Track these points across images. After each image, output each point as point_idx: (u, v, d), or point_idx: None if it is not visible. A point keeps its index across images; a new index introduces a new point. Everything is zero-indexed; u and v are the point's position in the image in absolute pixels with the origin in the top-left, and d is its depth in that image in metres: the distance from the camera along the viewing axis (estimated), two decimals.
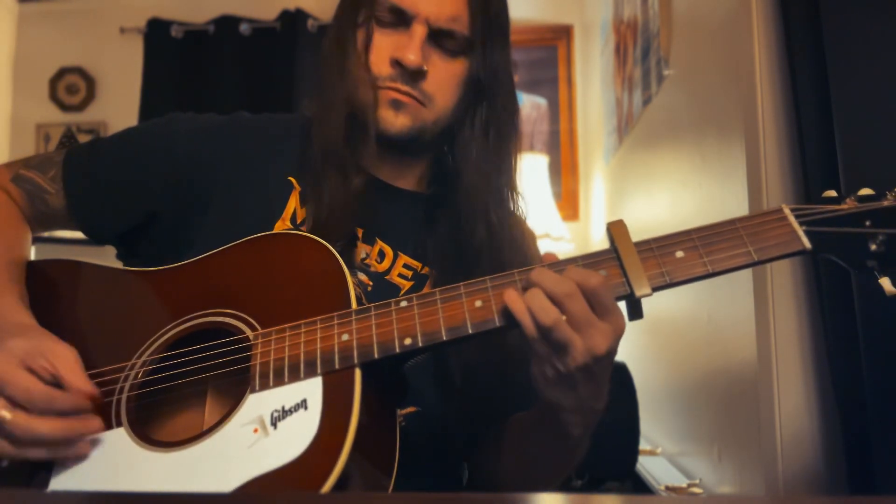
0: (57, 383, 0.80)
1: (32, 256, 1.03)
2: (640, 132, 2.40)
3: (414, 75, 0.99)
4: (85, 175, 1.06)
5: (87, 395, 0.81)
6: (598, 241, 3.30)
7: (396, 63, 0.99)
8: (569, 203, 3.57)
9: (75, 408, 0.80)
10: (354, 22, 1.03)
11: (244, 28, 3.76)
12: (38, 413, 0.78)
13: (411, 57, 0.97)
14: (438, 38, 1.00)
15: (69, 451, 0.80)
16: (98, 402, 0.82)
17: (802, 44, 1.22)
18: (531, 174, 3.14)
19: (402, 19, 1.00)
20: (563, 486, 0.99)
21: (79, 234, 1.10)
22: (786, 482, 1.24)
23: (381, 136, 1.00)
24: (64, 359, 0.81)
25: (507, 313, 0.78)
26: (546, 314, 0.75)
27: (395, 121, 1.00)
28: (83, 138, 3.76)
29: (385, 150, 1.03)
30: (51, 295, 0.97)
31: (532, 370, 0.81)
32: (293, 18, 3.71)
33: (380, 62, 1.00)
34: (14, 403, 0.78)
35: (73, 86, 3.86)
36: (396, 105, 1.00)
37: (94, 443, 0.82)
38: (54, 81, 3.87)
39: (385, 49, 1.00)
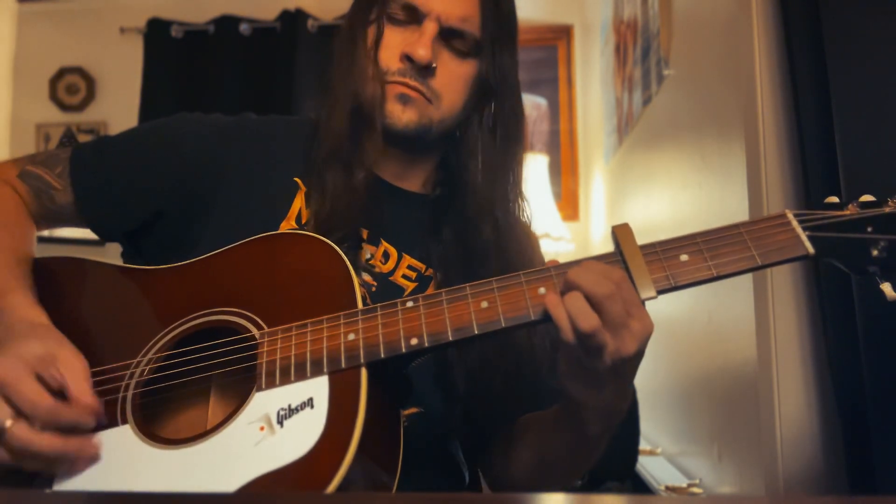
0: (62, 394, 0.80)
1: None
2: (640, 132, 2.40)
3: (423, 70, 1.00)
4: (93, 172, 1.06)
5: (90, 411, 0.80)
6: (599, 241, 3.30)
7: (406, 58, 1.00)
8: (569, 203, 3.57)
9: (77, 423, 0.80)
10: (366, 19, 1.04)
11: (244, 28, 3.76)
12: (41, 425, 0.78)
13: (421, 52, 0.98)
14: (449, 37, 1.01)
15: (65, 468, 0.80)
16: (100, 418, 0.82)
17: (802, 44, 1.22)
18: (531, 174, 3.15)
19: (414, 16, 1.01)
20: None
21: (79, 234, 1.11)
22: (786, 482, 1.24)
23: (386, 131, 1.01)
24: (74, 371, 0.81)
25: (543, 314, 0.78)
26: (587, 320, 0.74)
27: (401, 115, 1.01)
28: (83, 138, 3.75)
29: (390, 146, 1.03)
30: (56, 292, 0.97)
31: (560, 369, 0.82)
32: (293, 18, 3.71)
33: (389, 57, 1.01)
34: (18, 413, 0.78)
35: (73, 86, 3.87)
36: (404, 99, 1.01)
37: (101, 440, 0.82)
38: (54, 81, 3.87)
39: (395, 44, 1.01)
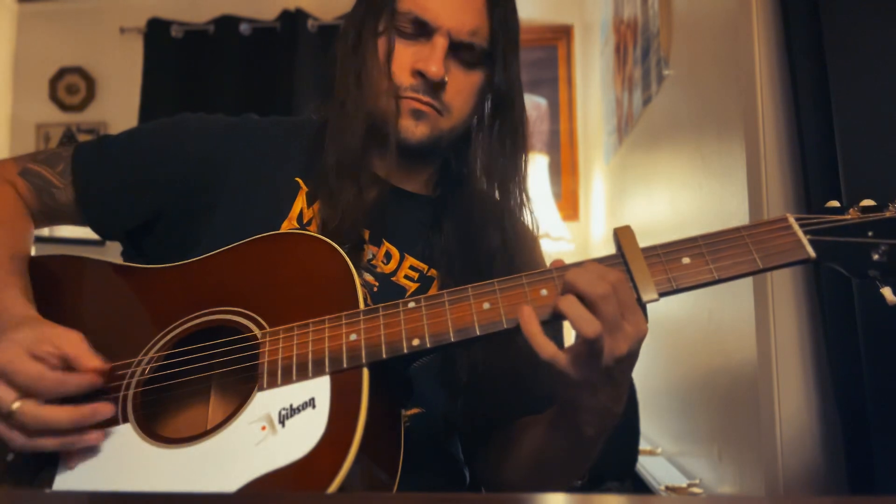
0: (67, 368, 0.81)
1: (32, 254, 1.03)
2: (640, 132, 2.40)
3: (435, 86, 1.01)
4: (95, 171, 1.06)
5: (98, 370, 0.81)
6: (599, 241, 3.30)
7: (418, 74, 1.00)
8: (569, 203, 3.57)
9: (88, 386, 0.81)
10: (374, 31, 1.04)
11: (244, 28, 3.76)
12: (51, 398, 0.79)
13: (434, 69, 0.99)
14: (458, 50, 1.02)
15: (80, 440, 0.80)
16: (110, 376, 0.83)
17: (802, 44, 1.22)
18: (531, 174, 3.14)
19: (423, 31, 1.01)
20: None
21: (79, 233, 1.11)
22: (786, 482, 1.24)
23: (400, 145, 1.02)
24: (69, 340, 0.82)
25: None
26: (590, 326, 0.75)
27: (415, 130, 1.02)
28: (83, 138, 3.74)
29: (400, 157, 1.03)
30: (56, 290, 0.97)
31: (554, 371, 0.82)
32: (293, 18, 3.71)
33: (401, 72, 1.01)
34: (26, 393, 0.79)
35: (73, 86, 3.87)
36: (417, 114, 1.01)
37: (102, 438, 0.82)
38: (54, 81, 3.87)
39: (406, 59, 1.02)
